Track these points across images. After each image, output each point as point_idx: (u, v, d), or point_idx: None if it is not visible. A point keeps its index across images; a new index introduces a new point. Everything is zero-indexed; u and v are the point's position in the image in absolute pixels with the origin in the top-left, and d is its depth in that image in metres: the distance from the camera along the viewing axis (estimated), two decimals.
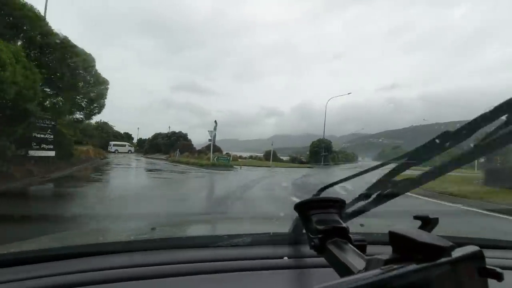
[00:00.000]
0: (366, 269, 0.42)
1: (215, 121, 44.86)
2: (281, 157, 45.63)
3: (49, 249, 0.99)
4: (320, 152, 41.18)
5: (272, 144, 34.31)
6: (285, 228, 1.11)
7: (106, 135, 34.83)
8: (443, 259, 0.38)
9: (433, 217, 0.49)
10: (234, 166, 25.74)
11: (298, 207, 0.62)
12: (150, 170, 19.50)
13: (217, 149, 37.97)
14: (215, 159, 24.86)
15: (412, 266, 0.37)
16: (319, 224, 0.57)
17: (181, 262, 0.90)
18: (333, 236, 0.54)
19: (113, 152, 47.86)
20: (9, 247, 1.02)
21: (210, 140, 24.74)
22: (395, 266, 0.37)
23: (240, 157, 42.47)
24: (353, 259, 0.47)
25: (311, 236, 0.58)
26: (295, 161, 42.95)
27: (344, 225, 0.57)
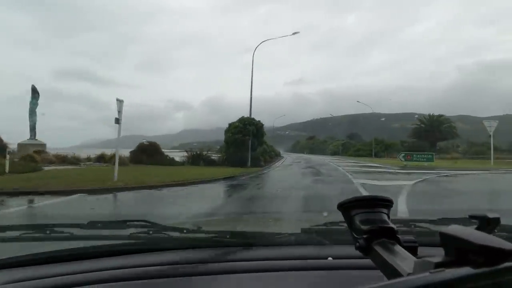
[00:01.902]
0: (414, 271, 0.39)
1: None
2: (172, 155, 24.11)
3: (98, 246, 1.02)
4: (245, 142, 21.17)
5: (118, 122, 11.20)
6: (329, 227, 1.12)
7: None
8: (507, 264, 0.33)
9: (493, 217, 0.43)
10: None
11: (342, 206, 0.58)
12: None
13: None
14: None
15: (466, 270, 0.33)
16: (364, 224, 0.54)
17: (225, 260, 0.91)
18: (379, 236, 0.51)
19: None
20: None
21: None
22: (447, 270, 0.33)
23: (61, 158, 19.32)
24: (402, 261, 0.44)
25: (356, 236, 0.55)
26: (200, 160, 22.09)
27: (391, 225, 0.53)
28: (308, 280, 0.82)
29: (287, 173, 18.12)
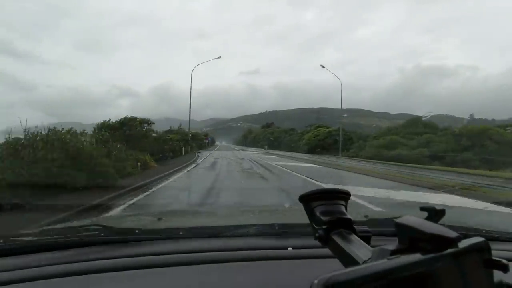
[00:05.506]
0: (371, 259, 0.42)
1: None
2: None
3: (57, 238, 1.02)
4: None
5: None
6: (290, 219, 1.11)
7: None
8: (450, 250, 0.37)
9: (439, 209, 0.48)
10: None
11: (303, 198, 0.61)
12: None
13: None
14: None
15: (418, 256, 0.37)
16: (324, 215, 0.56)
17: (187, 251, 0.92)
18: (337, 227, 0.54)
19: None
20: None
21: None
22: (402, 256, 0.37)
23: None
24: (358, 250, 0.47)
25: (315, 227, 0.57)
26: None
27: (348, 216, 0.56)
28: (268, 269, 0.84)
29: None
